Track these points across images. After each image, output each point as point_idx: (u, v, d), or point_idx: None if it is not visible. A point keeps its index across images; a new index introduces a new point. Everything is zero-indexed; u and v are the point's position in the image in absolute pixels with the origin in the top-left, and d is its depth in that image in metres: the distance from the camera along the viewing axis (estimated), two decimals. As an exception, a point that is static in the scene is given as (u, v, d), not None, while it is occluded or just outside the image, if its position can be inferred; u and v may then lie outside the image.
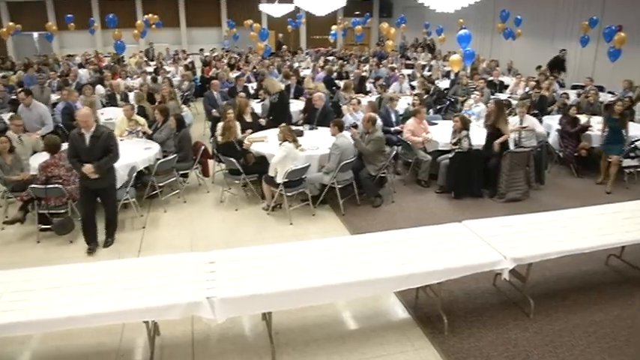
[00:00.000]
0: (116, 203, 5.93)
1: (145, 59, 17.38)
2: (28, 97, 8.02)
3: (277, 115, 8.52)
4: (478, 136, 7.67)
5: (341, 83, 11.48)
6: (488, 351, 4.01)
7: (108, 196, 5.73)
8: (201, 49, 19.90)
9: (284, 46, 20.12)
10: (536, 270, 4.63)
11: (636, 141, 7.88)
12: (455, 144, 7.24)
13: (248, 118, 7.99)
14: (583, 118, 8.45)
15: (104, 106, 10.16)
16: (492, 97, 11.01)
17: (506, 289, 4.80)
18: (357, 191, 7.02)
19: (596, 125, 8.45)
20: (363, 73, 13.31)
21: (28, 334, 3.99)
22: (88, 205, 5.65)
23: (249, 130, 7.70)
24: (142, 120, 7.97)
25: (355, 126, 7.12)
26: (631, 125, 8.84)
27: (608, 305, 4.64)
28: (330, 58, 18.11)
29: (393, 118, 8.68)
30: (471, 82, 11.36)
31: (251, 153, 6.95)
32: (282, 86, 9.61)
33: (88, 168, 5.32)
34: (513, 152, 7.18)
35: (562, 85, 12.70)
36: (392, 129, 8.39)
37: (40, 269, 3.92)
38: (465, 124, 7.23)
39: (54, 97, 10.38)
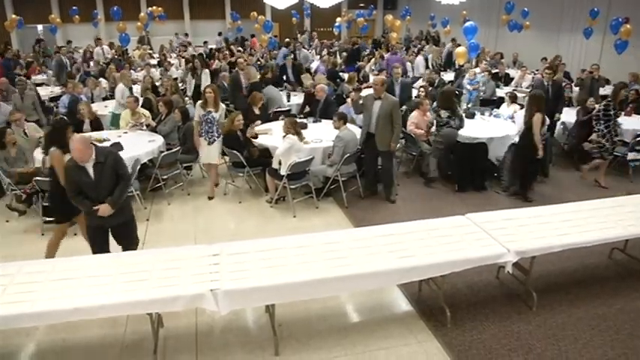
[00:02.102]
0: (136, 240, 4.76)
1: (150, 52, 17.34)
2: None
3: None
4: (480, 128, 7.68)
5: (345, 76, 11.48)
6: (490, 344, 4.02)
7: (126, 233, 4.59)
8: (206, 42, 19.86)
9: (286, 39, 20.04)
10: (540, 263, 4.62)
11: (642, 134, 7.83)
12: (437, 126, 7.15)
13: (257, 111, 8.03)
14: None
15: (107, 99, 10.18)
16: (497, 89, 11.00)
17: (510, 282, 4.80)
18: (360, 184, 7.03)
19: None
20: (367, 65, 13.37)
21: (34, 326, 4.01)
22: (104, 246, 4.53)
23: (258, 122, 7.74)
24: (145, 112, 7.98)
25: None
26: (636, 118, 8.83)
27: (611, 298, 4.64)
28: (333, 49, 18.06)
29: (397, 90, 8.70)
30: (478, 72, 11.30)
31: (255, 147, 6.95)
32: (257, 77, 9.62)
33: (104, 209, 4.27)
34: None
35: (569, 79, 12.59)
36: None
37: (45, 261, 3.97)
38: (445, 102, 7.16)
39: (57, 89, 10.38)
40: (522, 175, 6.92)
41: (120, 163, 4.42)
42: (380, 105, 6.55)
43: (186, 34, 20.88)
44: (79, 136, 4.36)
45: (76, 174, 4.23)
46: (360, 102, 6.90)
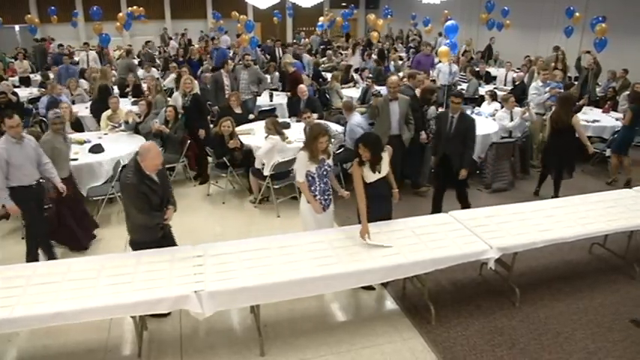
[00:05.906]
0: None
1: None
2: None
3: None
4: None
5: (328, 75, 11.51)
6: (475, 340, 4.06)
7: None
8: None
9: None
10: (522, 259, 4.68)
11: (619, 131, 7.96)
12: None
13: (238, 110, 8.00)
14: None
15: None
16: (480, 87, 11.10)
17: (493, 278, 4.86)
18: (343, 183, 7.03)
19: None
20: (351, 62, 13.37)
21: (15, 332, 3.96)
22: None
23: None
24: (122, 112, 7.95)
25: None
26: (614, 115, 8.99)
27: (592, 293, 4.73)
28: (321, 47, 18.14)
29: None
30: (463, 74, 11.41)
31: (240, 150, 6.88)
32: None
33: (171, 212, 4.15)
34: (499, 143, 7.22)
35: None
36: None
37: (26, 265, 3.90)
38: (423, 97, 6.99)
39: (35, 90, 10.23)
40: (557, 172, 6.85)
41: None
42: (398, 105, 6.50)
43: (176, 35, 20.89)
44: (153, 143, 4.14)
45: (145, 187, 3.89)
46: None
